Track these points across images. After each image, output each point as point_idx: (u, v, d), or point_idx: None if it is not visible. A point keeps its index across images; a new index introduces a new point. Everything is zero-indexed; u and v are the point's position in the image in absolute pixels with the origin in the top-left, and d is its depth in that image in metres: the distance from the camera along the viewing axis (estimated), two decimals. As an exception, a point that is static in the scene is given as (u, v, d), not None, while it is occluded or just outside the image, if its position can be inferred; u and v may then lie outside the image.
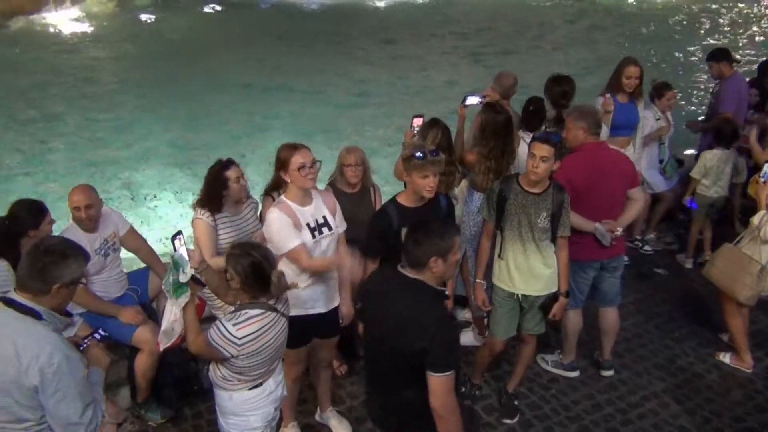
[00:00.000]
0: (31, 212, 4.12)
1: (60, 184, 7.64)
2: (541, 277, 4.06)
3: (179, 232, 3.25)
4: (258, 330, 3.02)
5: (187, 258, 3.18)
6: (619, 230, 4.37)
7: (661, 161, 6.48)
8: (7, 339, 2.43)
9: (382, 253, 3.87)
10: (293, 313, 3.48)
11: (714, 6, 18.76)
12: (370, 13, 16.09)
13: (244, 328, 2.99)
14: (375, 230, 3.87)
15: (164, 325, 3.34)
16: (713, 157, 6.00)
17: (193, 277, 3.19)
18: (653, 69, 12.32)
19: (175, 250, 3.22)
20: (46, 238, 2.58)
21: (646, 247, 6.54)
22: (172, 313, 3.28)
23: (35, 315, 2.50)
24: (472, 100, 4.98)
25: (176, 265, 3.14)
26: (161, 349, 3.48)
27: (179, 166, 8.33)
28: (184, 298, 3.19)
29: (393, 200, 3.90)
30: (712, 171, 6.01)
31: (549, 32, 15.28)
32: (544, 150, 3.86)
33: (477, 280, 4.25)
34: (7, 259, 3.93)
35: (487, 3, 17.34)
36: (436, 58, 13.19)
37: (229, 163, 4.56)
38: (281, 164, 4.44)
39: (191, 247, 3.37)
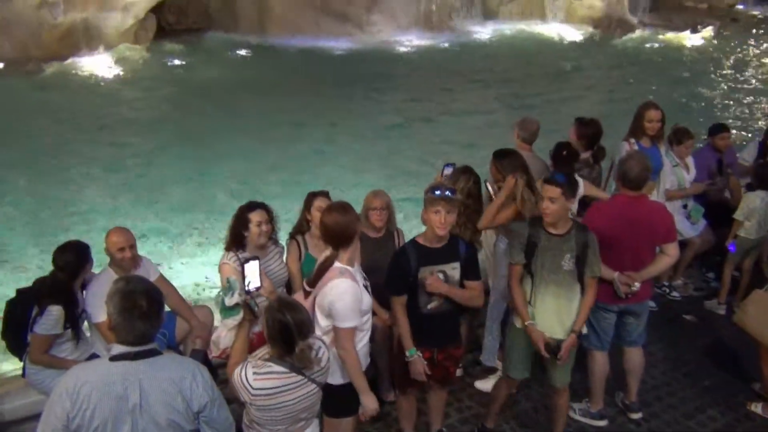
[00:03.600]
0: (77, 252, 4.28)
1: (93, 227, 7.79)
2: (566, 321, 4.04)
3: (255, 258, 3.34)
4: (275, 387, 2.99)
5: (238, 285, 3.26)
6: (637, 285, 4.33)
7: (684, 206, 6.44)
8: (164, 383, 2.53)
9: (404, 291, 3.90)
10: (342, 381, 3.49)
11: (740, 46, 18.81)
12: (395, 58, 16.33)
13: (262, 381, 2.97)
14: (395, 269, 3.91)
15: (214, 335, 3.43)
16: (756, 198, 5.92)
17: (249, 306, 3.24)
18: (680, 111, 12.37)
19: (244, 274, 3.29)
20: (134, 290, 2.62)
21: (674, 293, 6.45)
22: (219, 328, 3.38)
23: (158, 352, 2.61)
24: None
25: (229, 288, 3.23)
26: (210, 356, 3.56)
27: (207, 210, 8.44)
28: (232, 321, 3.25)
29: (413, 240, 3.95)
30: (756, 213, 5.93)
31: (571, 76, 15.38)
32: (551, 191, 3.93)
33: (528, 323, 4.17)
34: (64, 302, 4.08)
35: (509, 49, 17.58)
36: (463, 103, 13.33)
37: (254, 206, 4.65)
38: (306, 206, 4.63)
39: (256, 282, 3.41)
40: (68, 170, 9.65)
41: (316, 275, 3.60)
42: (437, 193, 3.73)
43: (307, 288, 3.64)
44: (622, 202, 4.43)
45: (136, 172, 9.69)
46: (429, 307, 3.93)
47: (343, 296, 3.45)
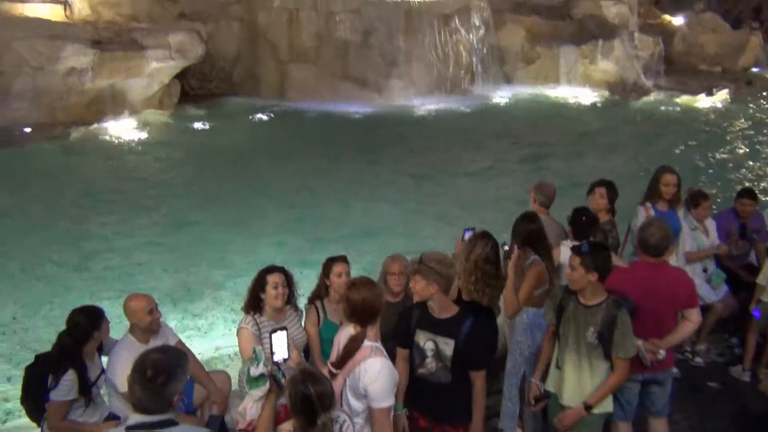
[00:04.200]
0: (90, 317, 4.33)
1: (111, 289, 7.86)
2: (586, 394, 3.98)
3: (284, 328, 3.36)
4: None
5: (264, 354, 3.27)
6: (662, 353, 4.29)
7: (705, 270, 6.39)
8: None
9: (407, 346, 3.91)
10: None
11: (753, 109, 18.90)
12: (413, 121, 16.57)
13: None
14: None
15: (240, 406, 3.42)
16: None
17: (274, 378, 3.24)
18: (697, 174, 12.38)
19: (271, 344, 3.30)
20: (146, 359, 2.65)
21: (697, 359, 6.35)
22: (245, 399, 3.37)
23: (174, 422, 2.63)
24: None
25: (255, 358, 3.23)
26: (237, 429, 3.56)
27: (226, 274, 8.49)
28: (258, 392, 3.24)
29: (424, 303, 3.92)
30: (780, 277, 5.88)
31: (587, 139, 15.49)
32: (572, 259, 3.95)
33: (532, 380, 4.16)
34: (73, 367, 4.12)
35: (525, 111, 17.79)
36: (480, 164, 13.46)
37: (272, 269, 4.72)
38: (324, 271, 4.70)
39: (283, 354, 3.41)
40: (89, 233, 9.80)
41: (344, 356, 3.54)
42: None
43: (334, 370, 3.57)
44: (642, 268, 4.41)
45: (156, 234, 9.82)
46: (419, 371, 3.90)
47: (380, 376, 3.41)
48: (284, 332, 3.44)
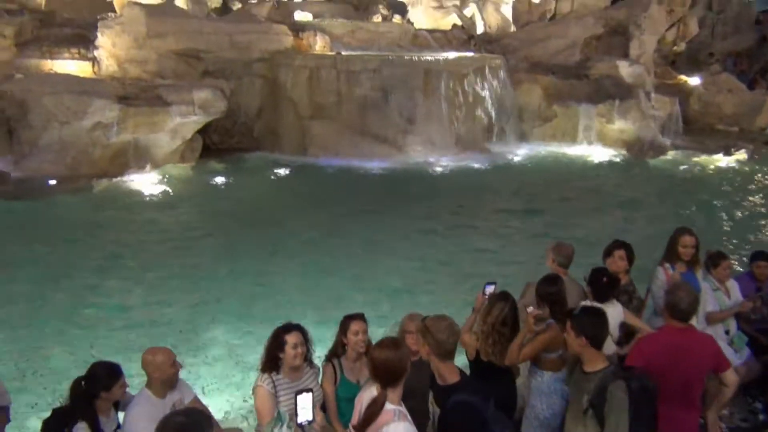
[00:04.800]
0: (107, 374, 4.33)
1: (131, 344, 7.88)
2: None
3: (309, 390, 3.34)
4: None
5: (288, 416, 3.26)
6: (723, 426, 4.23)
7: (727, 332, 6.32)
8: None
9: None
10: None
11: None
12: (431, 177, 16.72)
13: None
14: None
15: None
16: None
17: None
18: (715, 235, 12.30)
19: (296, 406, 3.28)
20: (168, 422, 2.67)
21: (721, 424, 6.22)
22: None
23: None
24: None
25: (278, 418, 3.23)
26: None
27: (243, 330, 8.50)
28: None
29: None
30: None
31: (604, 198, 15.49)
32: (568, 322, 3.96)
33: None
34: (85, 419, 4.11)
35: (542, 170, 17.90)
36: (497, 221, 13.49)
37: (290, 327, 4.73)
38: (341, 329, 4.70)
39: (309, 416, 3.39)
40: (108, 286, 9.87)
41: (366, 419, 3.50)
42: None
43: None
44: (670, 334, 4.34)
45: (174, 288, 9.86)
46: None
47: None
48: (310, 394, 3.42)
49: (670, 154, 19.99)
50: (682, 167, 19.06)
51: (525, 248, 11.54)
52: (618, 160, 19.37)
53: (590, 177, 17.49)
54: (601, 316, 4.21)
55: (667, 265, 6.00)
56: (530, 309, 4.78)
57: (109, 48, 17.43)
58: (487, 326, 4.62)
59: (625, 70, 21.36)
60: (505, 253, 11.55)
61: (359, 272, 10.45)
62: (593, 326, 3.97)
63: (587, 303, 5.31)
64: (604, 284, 5.40)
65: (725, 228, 13.45)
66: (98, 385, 4.32)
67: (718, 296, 6.27)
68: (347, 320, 4.96)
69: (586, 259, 7.00)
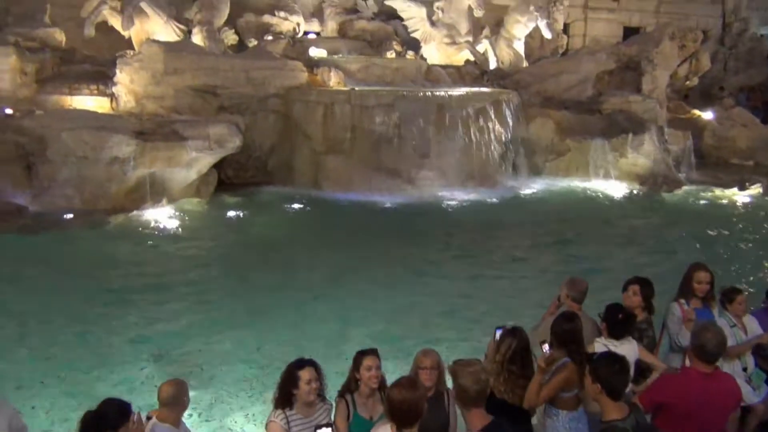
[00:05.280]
0: (117, 412, 4.34)
1: (142, 379, 7.90)
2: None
3: (329, 425, 3.37)
4: None
5: None
6: None
7: (744, 369, 6.24)
8: None
9: None
10: None
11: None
12: (444, 211, 16.75)
13: None
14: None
15: None
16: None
17: None
18: (732, 270, 12.20)
19: None
20: None
21: (738, 464, 6.11)
22: None
23: None
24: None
25: None
26: None
27: (256, 365, 8.49)
28: None
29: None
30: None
31: (618, 232, 15.43)
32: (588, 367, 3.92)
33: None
34: None
35: (554, 204, 17.89)
36: (509, 257, 13.47)
37: (304, 363, 4.74)
38: (354, 365, 4.69)
39: None
40: (121, 319, 9.90)
41: None
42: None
43: None
44: (696, 378, 4.24)
45: (187, 323, 9.89)
46: None
47: None
48: (330, 429, 3.44)
49: (685, 189, 19.93)
50: (696, 201, 19.00)
51: (538, 283, 11.49)
52: (632, 194, 19.34)
53: (604, 211, 17.45)
54: (622, 364, 4.10)
55: (683, 300, 5.97)
56: (545, 348, 4.74)
57: (128, 84, 17.76)
58: (497, 365, 4.61)
59: (638, 104, 21.43)
60: (519, 289, 11.51)
61: (373, 307, 10.44)
62: (611, 375, 3.88)
63: (602, 341, 5.28)
64: (619, 321, 5.36)
65: (740, 263, 13.34)
66: (107, 423, 4.33)
67: (735, 333, 6.21)
68: (360, 355, 4.96)
69: (599, 294, 6.98)
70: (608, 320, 5.40)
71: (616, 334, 5.27)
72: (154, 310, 10.27)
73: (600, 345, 5.19)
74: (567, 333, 4.94)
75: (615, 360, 4.08)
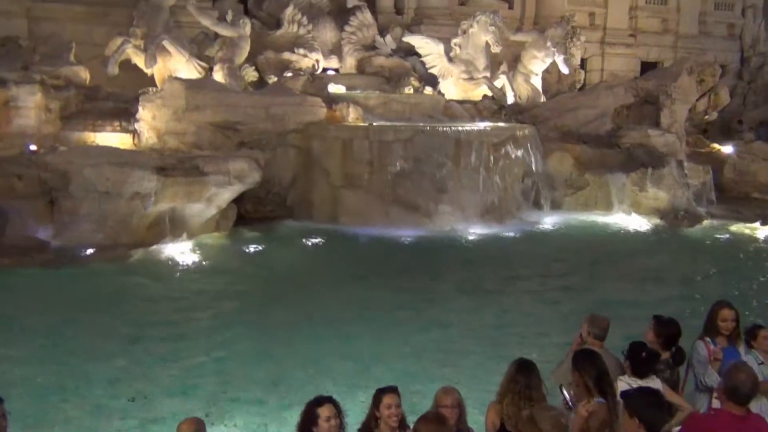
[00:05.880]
0: None
1: (156, 415, 7.87)
2: None
3: None
4: None
5: None
6: None
7: (773, 409, 6.09)
8: None
9: None
10: None
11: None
12: (462, 246, 16.72)
13: None
14: None
15: None
16: None
17: None
18: (757, 307, 12.01)
19: None
20: None
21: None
22: None
23: None
24: None
25: None
26: None
27: (277, 404, 8.44)
28: None
29: None
30: None
31: (639, 268, 15.24)
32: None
33: None
34: None
35: (574, 238, 17.81)
36: (528, 292, 13.37)
37: (323, 400, 4.71)
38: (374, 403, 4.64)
39: None
40: (139, 355, 9.92)
41: None
42: None
43: None
44: (728, 421, 4.11)
45: (205, 360, 9.87)
46: None
47: None
48: None
49: (705, 223, 19.75)
50: (718, 236, 18.79)
51: (560, 318, 11.39)
52: (652, 228, 19.17)
53: (625, 246, 17.33)
54: (658, 397, 4.03)
55: (708, 339, 5.87)
56: (582, 406, 4.56)
57: (150, 121, 18.05)
58: (512, 395, 4.56)
59: (657, 139, 21.38)
60: (540, 324, 11.41)
61: (392, 343, 10.37)
62: (648, 407, 3.79)
63: (625, 379, 5.20)
64: (643, 359, 5.28)
65: (765, 298, 13.13)
66: None
67: (764, 370, 6.08)
68: (380, 393, 4.92)
69: (620, 330, 6.89)
70: (631, 358, 5.32)
71: (640, 372, 5.18)
72: (173, 346, 10.27)
73: (623, 383, 5.11)
74: (600, 375, 4.78)
75: (650, 393, 4.02)
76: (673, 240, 18.26)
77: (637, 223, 19.49)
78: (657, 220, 19.70)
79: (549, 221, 19.21)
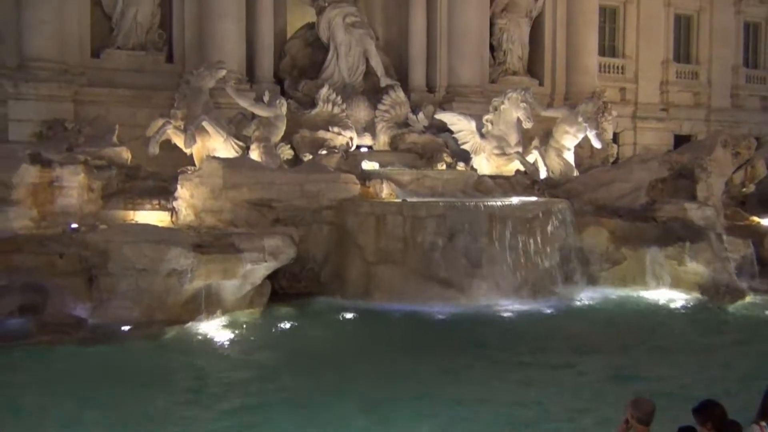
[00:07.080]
0: None
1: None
2: None
3: None
4: None
5: None
6: None
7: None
8: None
9: None
10: None
11: None
12: (497, 322, 16.49)
13: None
14: None
15: None
16: None
17: None
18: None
19: None
20: None
21: None
22: None
23: None
24: None
25: None
26: None
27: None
28: None
29: None
30: None
31: (681, 347, 14.75)
32: None
33: None
34: None
35: (612, 315, 17.46)
36: (565, 372, 13.03)
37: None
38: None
39: None
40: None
41: None
42: None
43: None
44: None
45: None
46: None
47: None
48: None
49: (749, 299, 19.20)
50: (762, 312, 18.21)
51: (601, 400, 11.01)
52: (693, 304, 18.68)
53: (666, 323, 16.85)
54: None
55: (764, 423, 5.64)
56: None
57: (188, 199, 18.47)
58: None
59: (694, 212, 21.07)
60: (582, 403, 11.04)
61: (430, 424, 10.15)
62: None
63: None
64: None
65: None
66: None
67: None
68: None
69: (664, 413, 6.65)
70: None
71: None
72: (208, 426, 10.16)
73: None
74: None
75: None
76: (716, 317, 17.73)
77: (678, 298, 19.04)
78: (697, 295, 19.20)
79: (585, 297, 18.88)
